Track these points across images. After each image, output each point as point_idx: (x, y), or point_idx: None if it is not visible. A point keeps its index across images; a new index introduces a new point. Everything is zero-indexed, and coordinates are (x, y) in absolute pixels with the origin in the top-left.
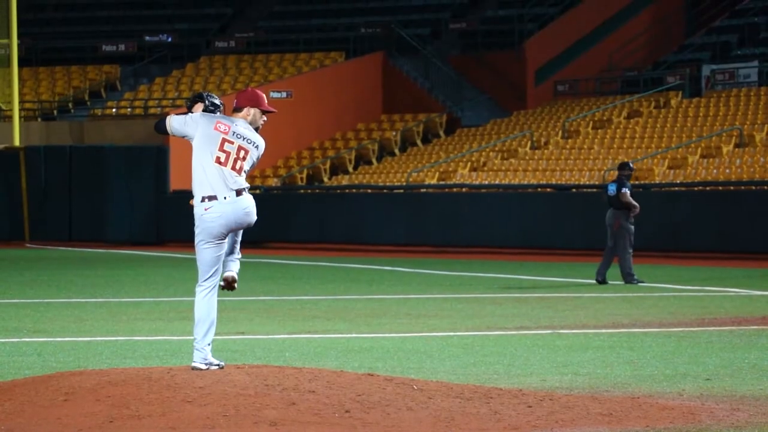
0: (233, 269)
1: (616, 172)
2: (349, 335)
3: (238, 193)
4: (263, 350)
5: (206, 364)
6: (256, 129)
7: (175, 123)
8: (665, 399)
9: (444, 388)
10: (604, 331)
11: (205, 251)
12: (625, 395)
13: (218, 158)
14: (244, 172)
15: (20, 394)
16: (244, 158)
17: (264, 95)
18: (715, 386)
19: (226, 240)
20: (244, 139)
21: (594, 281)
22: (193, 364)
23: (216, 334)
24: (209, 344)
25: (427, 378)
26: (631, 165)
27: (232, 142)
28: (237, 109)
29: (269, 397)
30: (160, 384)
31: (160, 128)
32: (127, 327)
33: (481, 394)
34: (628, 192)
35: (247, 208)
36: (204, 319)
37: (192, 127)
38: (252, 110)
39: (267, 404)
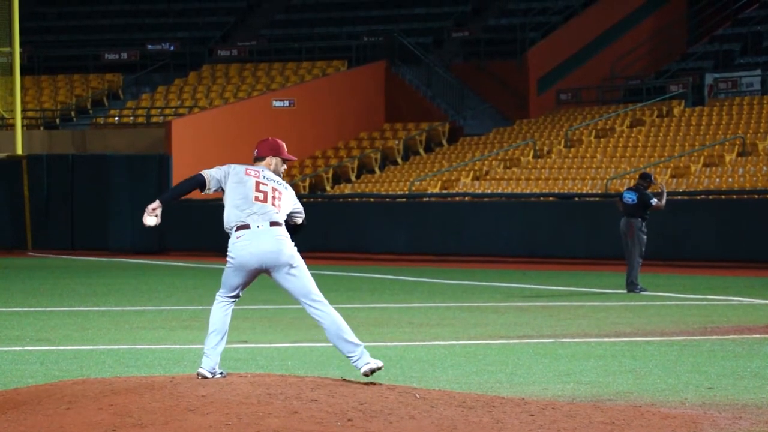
0: (370, 362)
1: (626, 180)
2: None
3: (273, 224)
4: (266, 359)
5: (212, 372)
6: (279, 175)
7: (215, 174)
8: (667, 408)
9: (446, 397)
10: (606, 339)
11: (231, 276)
12: (628, 404)
13: (257, 197)
14: (283, 211)
15: (23, 403)
16: (279, 198)
17: (284, 144)
18: (718, 395)
19: (253, 274)
20: (274, 181)
21: (624, 291)
22: (199, 370)
23: None
24: (219, 354)
25: (430, 387)
26: (652, 178)
27: (266, 184)
28: (259, 159)
29: (272, 405)
30: (162, 393)
31: (190, 185)
32: (130, 335)
33: (484, 402)
34: (656, 200)
35: (279, 236)
36: (219, 329)
37: (223, 175)
38: (274, 159)
39: (269, 413)
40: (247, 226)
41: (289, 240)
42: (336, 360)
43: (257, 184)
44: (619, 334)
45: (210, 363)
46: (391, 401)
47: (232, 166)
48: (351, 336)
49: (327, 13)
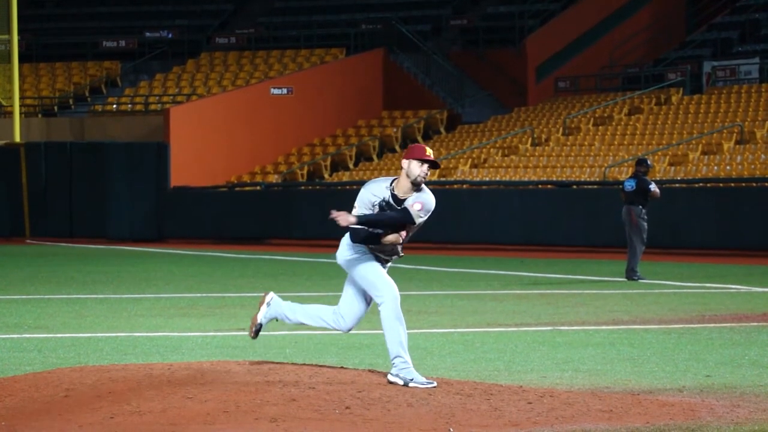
0: (397, 375)
1: (624, 168)
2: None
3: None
4: (264, 347)
5: (264, 318)
6: (415, 181)
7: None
8: (665, 395)
9: (444, 385)
10: (604, 327)
11: None
12: (626, 392)
13: None
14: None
15: (21, 390)
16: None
17: (422, 147)
18: (716, 383)
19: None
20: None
21: (624, 279)
22: (262, 308)
23: (216, 330)
24: (273, 318)
25: (428, 374)
26: (648, 162)
27: None
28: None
29: (270, 393)
30: (160, 380)
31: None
32: (128, 323)
33: (482, 390)
34: (654, 186)
35: (341, 244)
36: (313, 310)
37: None
38: (408, 162)
39: (267, 400)
40: None
41: (344, 248)
42: (334, 348)
43: None
44: (617, 322)
45: (270, 313)
46: (389, 389)
47: None
48: (391, 344)
49: (325, 1)
